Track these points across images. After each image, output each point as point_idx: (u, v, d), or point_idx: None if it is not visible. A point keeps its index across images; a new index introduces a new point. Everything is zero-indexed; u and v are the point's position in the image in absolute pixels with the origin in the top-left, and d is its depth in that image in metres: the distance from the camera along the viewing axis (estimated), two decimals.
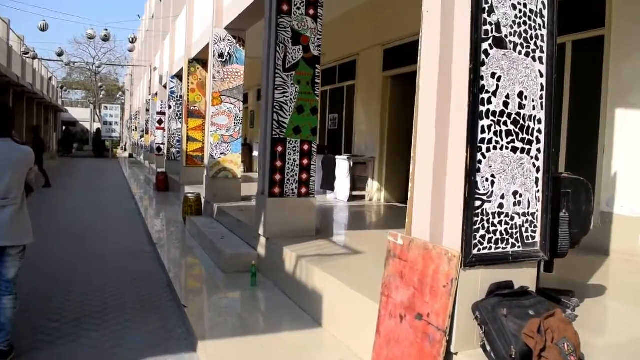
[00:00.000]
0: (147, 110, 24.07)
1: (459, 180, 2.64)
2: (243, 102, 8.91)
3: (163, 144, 18.26)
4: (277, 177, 5.54)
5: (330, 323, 4.04)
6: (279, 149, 5.53)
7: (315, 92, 5.71)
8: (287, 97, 5.53)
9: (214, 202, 8.46)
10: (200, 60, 11.88)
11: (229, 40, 8.67)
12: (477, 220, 2.66)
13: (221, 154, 8.72)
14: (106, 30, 16.73)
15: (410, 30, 8.88)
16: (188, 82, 11.83)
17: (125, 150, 44.63)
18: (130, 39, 18.02)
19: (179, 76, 14.98)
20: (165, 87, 17.64)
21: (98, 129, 38.37)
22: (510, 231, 2.79)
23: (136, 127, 33.78)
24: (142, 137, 27.62)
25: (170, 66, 15.07)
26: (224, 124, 8.72)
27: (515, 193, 2.79)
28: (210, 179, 8.69)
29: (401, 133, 10.04)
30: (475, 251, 2.66)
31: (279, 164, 5.53)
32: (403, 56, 9.22)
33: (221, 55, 8.64)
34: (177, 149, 15.16)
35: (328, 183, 10.19)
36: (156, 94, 20.13)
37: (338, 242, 5.39)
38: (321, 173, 11.16)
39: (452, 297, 2.60)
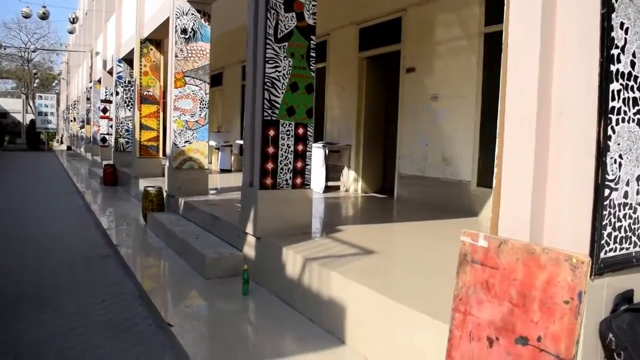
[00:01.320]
0: (88, 99, 22.32)
1: (584, 160, 1.97)
2: (210, 84, 7.98)
3: (109, 134, 16.86)
4: (269, 165, 4.74)
5: (358, 339, 3.32)
6: (271, 132, 4.72)
7: (311, 67, 4.94)
8: (279, 72, 4.72)
9: (179, 196, 7.53)
10: (154, 40, 10.77)
11: (192, 14, 7.70)
12: (605, 214, 2.01)
13: (186, 142, 7.77)
14: (44, 7, 15.09)
15: (388, 7, 8.25)
16: (140, 65, 10.70)
17: (61, 142, 41.89)
18: (71, 19, 16.40)
19: (127, 60, 13.72)
20: (110, 72, 16.22)
21: (32, 120, 35.73)
22: (633, 227, 2.16)
23: (74, 118, 31.56)
24: (82, 127, 25.71)
25: (117, 49, 13.78)
26: (188, 108, 7.77)
27: (638, 178, 2.17)
28: (174, 170, 7.73)
29: (378, 118, 9.43)
30: (603, 254, 2.01)
31: (271, 150, 4.73)
32: (380, 36, 8.58)
33: (184, 31, 7.67)
34: (127, 139, 13.92)
35: None
36: (99, 80, 18.59)
37: (341, 240, 4.67)
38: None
39: (581, 316, 1.94)
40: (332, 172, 9.28)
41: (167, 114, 8.01)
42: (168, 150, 8.00)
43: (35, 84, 45.63)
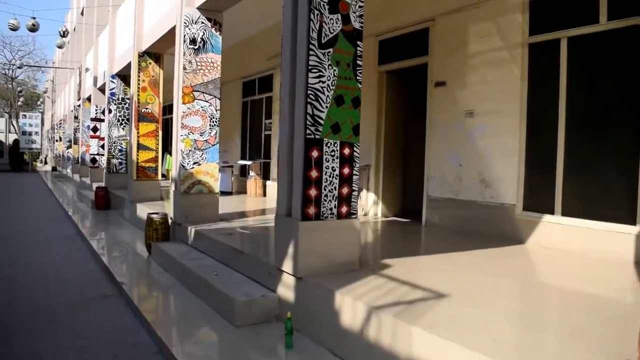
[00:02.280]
0: (76, 118, 21.45)
1: None
2: (219, 99, 7.27)
3: (99, 154, 16.01)
4: (313, 192, 4.01)
5: None
6: (315, 153, 4.01)
7: (357, 78, 4.26)
8: (323, 82, 4.03)
9: (187, 224, 6.75)
10: (153, 54, 10.06)
11: (202, 23, 7.02)
12: None
13: (194, 163, 7.02)
14: (34, 18, 14.29)
15: (412, 18, 7.66)
16: (138, 80, 9.96)
17: (45, 163, 40.68)
18: (61, 32, 15.58)
19: (121, 75, 12.97)
20: (101, 90, 15.45)
21: (15, 140, 34.56)
22: None
23: (60, 137, 30.53)
24: (68, 147, 24.73)
25: (110, 64, 13.03)
26: (197, 126, 7.03)
27: None
28: (181, 195, 6.96)
29: (399, 137, 8.79)
30: None
31: (314, 174, 4.01)
32: (403, 48, 7.97)
33: (193, 41, 6.97)
34: (120, 160, 13.09)
35: None
36: (88, 98, 17.77)
37: (398, 279, 3.95)
38: None
39: None
40: None
41: (173, 132, 7.27)
42: (174, 173, 7.24)
43: (19, 103, 44.45)
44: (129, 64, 11.29)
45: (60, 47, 18.87)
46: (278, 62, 11.54)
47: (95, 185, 14.70)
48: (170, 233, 7.03)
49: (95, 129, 16.06)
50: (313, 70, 3.97)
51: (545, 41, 5.89)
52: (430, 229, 7.09)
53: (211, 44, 7.09)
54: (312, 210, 4.02)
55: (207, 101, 7.08)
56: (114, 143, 13.05)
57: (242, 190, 12.16)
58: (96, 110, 16.03)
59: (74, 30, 23.59)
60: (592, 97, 5.54)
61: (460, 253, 5.29)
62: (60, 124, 31.00)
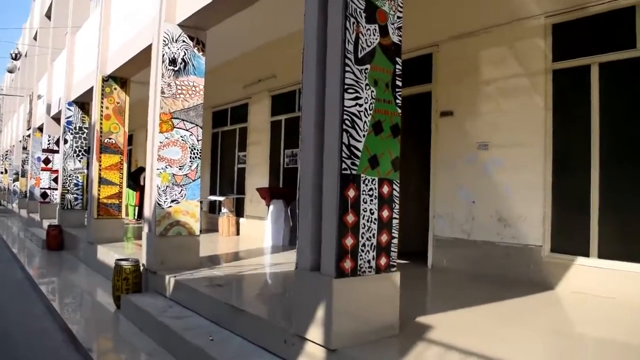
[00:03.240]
0: (24, 149, 19.87)
1: None
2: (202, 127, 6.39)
3: (51, 188, 14.61)
4: (349, 241, 3.19)
5: None
6: (351, 193, 3.20)
7: (397, 101, 3.52)
8: (361, 106, 3.27)
9: (164, 272, 5.75)
10: (119, 78, 9.09)
11: (183, 41, 6.18)
12: None
13: (172, 201, 6.07)
14: None
15: (412, 43, 7.08)
16: (101, 107, 8.94)
17: None
18: (13, 55, 14.29)
19: (79, 102, 11.86)
20: (56, 118, 14.20)
21: None
22: None
23: (6, 169, 28.47)
24: (15, 180, 22.90)
25: (67, 90, 11.91)
26: (175, 158, 6.11)
27: None
28: (157, 238, 5.97)
29: (411, 164, 8.10)
30: None
31: (351, 218, 3.20)
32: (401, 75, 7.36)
33: (173, 62, 6.11)
34: (76, 195, 11.84)
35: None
36: (40, 128, 16.39)
37: (456, 347, 3.14)
38: (289, 224, 8.85)
39: None
40: None
41: (148, 165, 6.32)
42: (147, 213, 6.25)
43: None
44: (89, 90, 10.25)
45: (10, 71, 17.50)
46: (254, 90, 10.88)
47: (45, 222, 13.31)
48: (142, 282, 5.99)
49: (47, 161, 14.70)
50: (349, 91, 3.21)
51: (573, 67, 5.38)
52: (439, 273, 6.34)
53: (193, 65, 6.25)
54: (348, 264, 3.18)
55: (187, 130, 6.19)
56: (70, 176, 11.82)
57: (212, 228, 11.12)
58: (49, 140, 14.70)
59: (25, 55, 22.16)
60: (629, 128, 5.01)
61: (494, 304, 4.56)
62: (6, 155, 28.96)
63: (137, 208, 14.35)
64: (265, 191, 9.12)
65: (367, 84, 3.31)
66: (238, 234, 10.63)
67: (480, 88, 6.22)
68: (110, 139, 9.00)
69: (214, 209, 11.99)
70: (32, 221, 15.42)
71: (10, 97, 26.64)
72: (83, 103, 11.89)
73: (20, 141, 21.50)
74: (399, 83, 3.53)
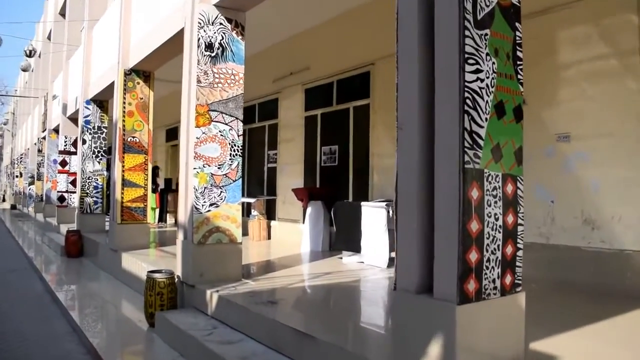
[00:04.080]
0: (40, 151, 19.35)
1: None
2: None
3: (69, 191, 14.02)
4: (474, 256, 2.45)
5: None
6: (474, 193, 2.46)
7: (519, 77, 2.77)
8: (482, 81, 2.53)
9: (203, 286, 5.05)
10: (142, 72, 8.43)
11: (221, 24, 5.47)
12: None
13: (211, 205, 5.36)
14: None
15: None
16: (124, 103, 8.28)
17: (4, 200, 37.69)
18: (27, 51, 13.71)
19: (97, 101, 11.23)
20: (73, 119, 13.61)
21: None
22: None
23: (21, 173, 28.06)
24: (30, 184, 22.42)
25: (85, 88, 11.28)
26: (214, 156, 5.40)
27: None
28: (195, 247, 5.26)
29: None
30: None
31: (475, 226, 2.46)
32: None
33: (210, 47, 5.40)
34: (96, 199, 11.22)
35: (348, 241, 7.13)
36: (55, 129, 15.83)
37: None
38: (328, 227, 8.13)
39: None
40: (391, 238, 7.01)
41: (182, 164, 5.62)
42: (182, 218, 5.55)
43: None
44: (109, 87, 9.61)
45: (24, 70, 16.97)
46: (286, 84, 10.15)
47: (63, 227, 12.71)
48: (177, 297, 5.30)
49: (64, 163, 14.11)
50: (470, 61, 2.46)
51: None
52: None
53: (232, 51, 5.54)
54: (472, 285, 2.44)
55: (227, 124, 5.48)
56: (88, 179, 11.19)
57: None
58: (65, 141, 14.12)
59: (39, 56, 21.67)
60: None
61: (607, 324, 3.79)
62: (21, 158, 28.56)
63: (157, 210, 13.72)
64: (302, 192, 8.39)
65: (487, 54, 2.56)
66: (269, 238, 9.93)
67: (559, 73, 5.44)
68: (133, 137, 8.33)
69: (242, 211, 11.28)
70: (49, 226, 14.86)
71: (24, 99, 26.21)
72: (102, 101, 11.26)
73: (35, 144, 21.01)
74: (520, 54, 2.77)
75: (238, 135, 5.57)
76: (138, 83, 8.40)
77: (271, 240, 9.75)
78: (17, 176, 30.85)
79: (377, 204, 6.82)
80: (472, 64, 2.47)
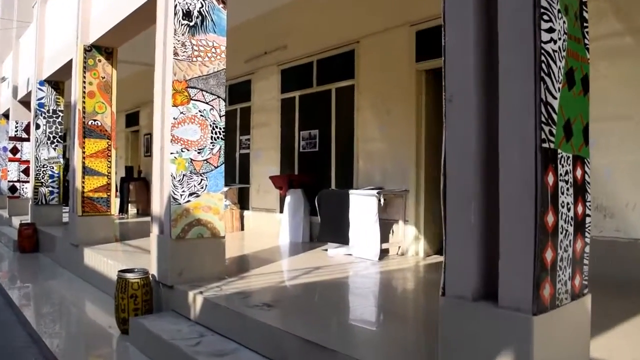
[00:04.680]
0: None
1: None
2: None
3: (20, 181, 12.99)
4: (549, 255, 1.99)
5: None
6: (550, 179, 2.00)
7: (586, 42, 2.33)
8: (555, 43, 2.06)
9: (184, 286, 4.48)
10: (104, 48, 7.64)
11: None
12: None
13: (191, 194, 4.76)
14: None
15: None
16: (84, 83, 7.49)
17: None
18: None
19: (52, 82, 10.30)
20: (25, 102, 12.55)
21: None
22: None
23: None
24: None
25: (38, 67, 10.31)
26: (193, 139, 4.80)
27: None
28: (173, 242, 4.66)
29: (436, 150, 6.97)
30: None
31: (551, 219, 2.00)
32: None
33: (187, 15, 4.77)
34: (51, 188, 10.32)
35: (334, 232, 6.65)
36: (5, 114, 14.67)
37: None
38: (308, 217, 7.64)
39: None
40: (383, 229, 6.57)
41: (155, 149, 4.99)
42: (157, 210, 4.93)
43: None
44: (66, 66, 8.76)
45: None
46: (259, 64, 9.50)
47: (16, 220, 11.73)
48: (153, 299, 4.70)
49: (15, 150, 13.03)
50: (544, 17, 1.99)
51: None
52: None
53: (212, 20, 4.92)
54: (547, 290, 1.99)
55: (207, 103, 4.88)
56: (43, 167, 10.28)
57: None
58: (16, 127, 13.04)
59: None
60: None
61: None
62: None
63: (117, 201, 12.86)
64: (281, 179, 7.85)
65: (558, 10, 2.09)
66: (242, 229, 9.37)
67: None
68: (95, 120, 7.56)
69: None
70: (1, 218, 13.77)
71: None
72: (57, 82, 10.34)
73: None
74: (585, 15, 2.32)
75: (220, 116, 4.97)
76: (99, 60, 7.61)
77: (245, 232, 9.19)
78: None
79: (367, 192, 6.36)
80: (547, 21, 2.00)
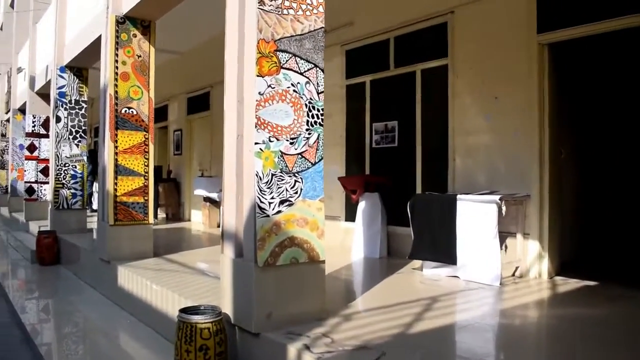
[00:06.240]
0: (3, 136, 16.83)
1: None
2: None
3: (38, 182, 11.71)
4: None
5: None
6: None
7: None
8: None
9: (275, 334, 3.07)
10: (139, 20, 6.28)
11: None
12: None
13: (282, 202, 3.34)
14: None
15: None
16: (116, 63, 6.13)
17: None
18: None
19: (74, 68, 8.99)
20: (43, 94, 11.30)
21: None
22: None
23: None
24: None
25: (58, 52, 8.99)
26: (284, 124, 3.38)
27: None
28: (259, 270, 3.23)
29: (572, 149, 5.57)
30: None
31: None
32: (585, 5, 4.73)
33: None
34: (74, 190, 9.00)
35: (434, 248, 5.20)
36: (21, 109, 13.46)
37: None
38: (385, 226, 6.24)
39: None
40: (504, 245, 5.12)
41: (231, 137, 3.58)
42: (231, 222, 3.51)
43: None
44: (92, 46, 7.45)
45: None
46: None
47: (33, 225, 10.45)
48: (227, 350, 3.28)
49: (32, 148, 11.75)
50: None
51: None
52: None
53: None
54: None
55: (302, 74, 3.47)
56: (64, 166, 8.96)
57: None
58: (34, 122, 11.76)
59: (1, 28, 19.01)
60: None
61: None
62: None
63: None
64: (356, 181, 6.42)
65: None
66: None
67: None
68: (129, 108, 6.19)
69: None
70: (16, 223, 12.52)
71: None
72: (80, 69, 9.03)
73: None
74: None
75: (318, 93, 3.55)
76: (134, 35, 6.24)
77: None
78: None
79: (485, 197, 4.91)
80: None
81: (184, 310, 3.31)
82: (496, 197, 4.78)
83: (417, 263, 5.58)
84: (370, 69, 6.99)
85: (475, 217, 4.92)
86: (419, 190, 6.23)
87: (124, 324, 4.97)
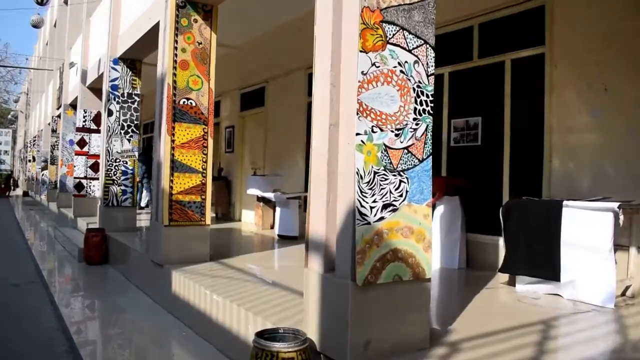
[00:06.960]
0: (54, 131, 16.88)
1: None
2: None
3: (88, 177, 11.49)
4: None
5: None
6: None
7: None
8: None
9: None
10: (201, 5, 5.80)
11: None
12: None
13: (385, 207, 2.72)
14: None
15: None
16: (175, 50, 5.66)
17: (17, 186, 35.49)
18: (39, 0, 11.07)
19: (127, 60, 8.64)
20: (95, 89, 11.08)
21: None
22: None
23: (34, 157, 25.67)
24: (43, 169, 19.98)
25: (112, 44, 8.68)
26: (389, 112, 2.76)
27: None
28: (357, 290, 2.62)
29: None
30: None
31: None
32: None
33: None
34: (124, 187, 8.65)
35: (534, 262, 4.48)
36: (72, 104, 13.35)
37: None
38: (464, 234, 5.54)
39: None
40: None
41: (323, 125, 2.99)
42: (321, 229, 2.92)
43: None
44: (147, 35, 7.05)
45: (35, 26, 14.27)
46: None
47: (81, 221, 10.20)
48: None
49: (82, 143, 11.55)
50: None
51: None
52: None
53: None
54: None
55: (410, 51, 2.84)
56: (116, 161, 8.63)
57: None
58: (85, 116, 11.56)
59: (55, 26, 19.19)
60: None
61: None
62: (34, 140, 26.18)
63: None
64: (435, 183, 5.69)
65: None
66: None
67: None
68: (188, 99, 5.72)
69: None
70: (64, 219, 12.36)
71: (38, 76, 23.80)
72: (133, 60, 8.68)
73: (49, 124, 18.53)
74: None
75: (427, 76, 2.92)
76: (195, 21, 5.77)
77: None
78: (29, 160, 28.49)
79: (598, 204, 4.17)
80: None
81: (261, 335, 2.73)
82: (614, 205, 4.04)
83: (505, 276, 4.88)
84: (448, 60, 6.30)
85: (586, 226, 4.19)
86: (505, 194, 5.52)
87: (178, 335, 4.47)
